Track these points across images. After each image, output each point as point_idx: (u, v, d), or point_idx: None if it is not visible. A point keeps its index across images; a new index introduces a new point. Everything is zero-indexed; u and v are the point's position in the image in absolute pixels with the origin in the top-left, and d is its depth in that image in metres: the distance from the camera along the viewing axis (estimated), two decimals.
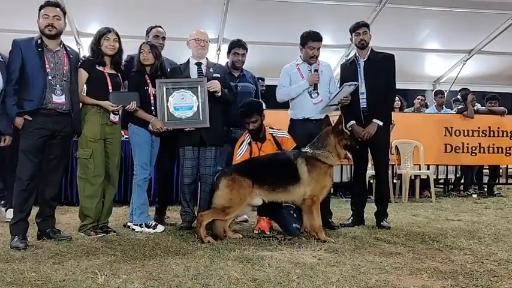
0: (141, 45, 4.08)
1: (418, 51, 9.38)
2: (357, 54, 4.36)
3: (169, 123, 3.98)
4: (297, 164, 3.67)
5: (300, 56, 4.39)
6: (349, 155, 3.85)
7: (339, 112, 4.32)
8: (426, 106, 8.33)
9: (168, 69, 4.28)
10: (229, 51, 4.59)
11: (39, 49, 3.47)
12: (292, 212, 3.89)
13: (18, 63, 3.41)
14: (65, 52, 3.62)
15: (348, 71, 4.41)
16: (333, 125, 3.84)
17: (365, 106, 4.26)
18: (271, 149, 4.03)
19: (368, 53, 4.31)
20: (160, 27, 4.64)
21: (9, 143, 3.54)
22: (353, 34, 4.33)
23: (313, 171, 3.66)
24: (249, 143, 4.04)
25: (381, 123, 4.22)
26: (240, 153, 4.03)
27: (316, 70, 4.29)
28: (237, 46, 4.53)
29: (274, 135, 4.10)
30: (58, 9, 3.55)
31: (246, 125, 4.02)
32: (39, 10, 3.53)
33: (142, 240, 3.58)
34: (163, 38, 4.62)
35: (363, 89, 4.26)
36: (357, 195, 4.56)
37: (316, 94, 4.26)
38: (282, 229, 3.96)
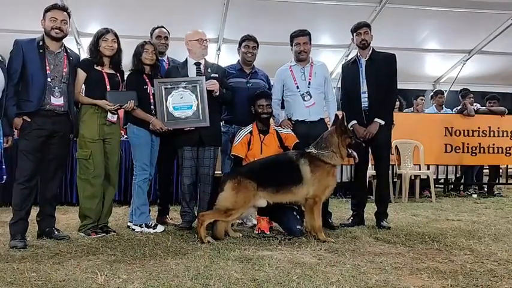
0: (144, 44, 4.06)
1: (418, 51, 9.36)
2: (359, 54, 4.36)
3: (169, 123, 3.97)
4: (299, 165, 3.68)
5: (294, 58, 4.39)
6: (355, 154, 3.82)
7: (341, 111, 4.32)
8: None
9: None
10: (239, 46, 4.50)
11: (41, 50, 3.46)
12: (295, 213, 3.89)
13: (20, 63, 3.40)
14: (65, 54, 3.62)
15: (350, 71, 4.41)
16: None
17: (366, 106, 4.25)
18: (273, 142, 4.09)
19: (369, 53, 4.30)
20: (163, 27, 4.64)
21: (11, 144, 3.52)
22: (354, 34, 4.33)
23: (316, 171, 3.66)
24: (250, 132, 4.08)
25: (383, 123, 4.22)
26: (238, 139, 4.07)
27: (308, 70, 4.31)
28: (247, 39, 4.45)
29: (279, 131, 4.16)
30: (65, 13, 3.56)
31: (261, 109, 4.07)
32: (46, 12, 3.52)
33: (142, 240, 3.58)
34: (166, 38, 4.62)
35: (364, 88, 4.25)
36: (357, 195, 4.56)
37: (308, 97, 4.26)
38: (283, 230, 3.95)
